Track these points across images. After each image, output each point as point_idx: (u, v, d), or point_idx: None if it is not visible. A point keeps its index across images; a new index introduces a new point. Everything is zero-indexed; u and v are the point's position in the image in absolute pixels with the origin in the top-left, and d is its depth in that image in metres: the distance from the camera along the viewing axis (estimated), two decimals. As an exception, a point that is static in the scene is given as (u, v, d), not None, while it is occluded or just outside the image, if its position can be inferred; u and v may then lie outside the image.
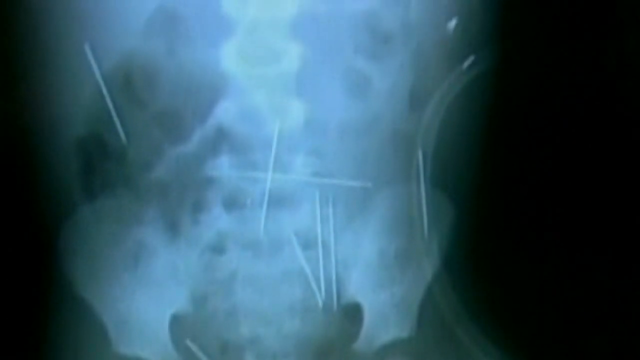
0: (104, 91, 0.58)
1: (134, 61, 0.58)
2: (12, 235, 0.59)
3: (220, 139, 0.59)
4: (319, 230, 0.59)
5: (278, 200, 0.59)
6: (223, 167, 0.59)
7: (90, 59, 0.58)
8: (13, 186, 0.59)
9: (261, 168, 0.59)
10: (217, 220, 0.59)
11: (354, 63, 0.59)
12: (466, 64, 0.59)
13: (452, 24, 0.59)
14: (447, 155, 0.59)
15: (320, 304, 0.59)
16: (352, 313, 0.60)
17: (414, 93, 0.59)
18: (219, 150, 0.59)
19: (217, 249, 0.59)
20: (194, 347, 0.59)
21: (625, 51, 0.61)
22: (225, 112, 0.59)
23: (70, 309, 0.59)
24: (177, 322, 0.60)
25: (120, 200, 0.59)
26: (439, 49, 0.59)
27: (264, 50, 0.58)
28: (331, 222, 0.59)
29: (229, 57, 0.58)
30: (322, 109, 0.59)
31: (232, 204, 0.59)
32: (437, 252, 0.60)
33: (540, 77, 0.60)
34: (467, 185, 0.59)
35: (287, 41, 0.58)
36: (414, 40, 0.59)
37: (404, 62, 0.59)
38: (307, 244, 0.59)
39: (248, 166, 0.59)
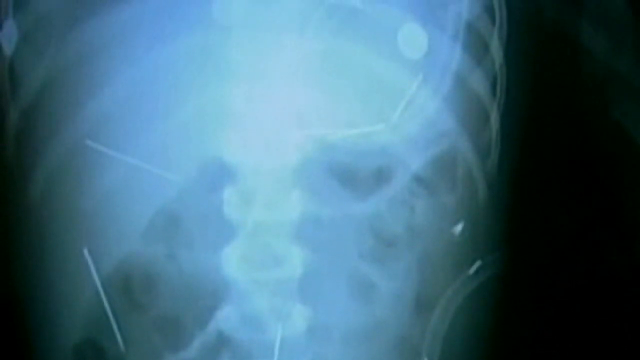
0: (102, 296, 0.57)
1: (133, 265, 0.57)
2: None
3: (221, 345, 0.57)
4: None
5: (280, 410, 0.57)
6: (224, 374, 0.57)
7: (89, 262, 0.57)
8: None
9: (263, 375, 0.57)
10: None
11: (358, 267, 0.57)
12: (473, 269, 0.58)
13: (458, 228, 0.58)
14: (454, 363, 0.58)
15: None
16: None
17: (419, 298, 0.58)
18: (220, 356, 0.57)
19: None
20: None
21: (633, 252, 0.59)
22: (226, 318, 0.57)
23: None
24: None
25: (118, 410, 0.57)
26: (445, 254, 0.58)
27: (266, 255, 0.57)
28: None
29: (231, 262, 0.57)
30: (325, 315, 0.57)
31: (233, 412, 0.57)
32: None
33: (549, 284, 0.58)
34: (474, 395, 0.58)
35: (290, 245, 0.57)
36: (419, 245, 0.58)
37: (410, 267, 0.58)
38: None
39: (250, 374, 0.57)
